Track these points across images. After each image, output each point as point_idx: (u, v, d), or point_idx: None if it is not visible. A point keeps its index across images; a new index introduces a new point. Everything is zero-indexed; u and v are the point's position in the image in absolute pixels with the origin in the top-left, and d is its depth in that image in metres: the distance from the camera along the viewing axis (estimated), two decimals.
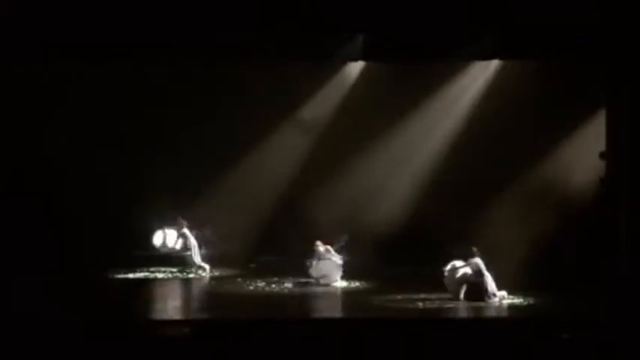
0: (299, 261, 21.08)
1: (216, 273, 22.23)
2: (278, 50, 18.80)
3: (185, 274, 22.15)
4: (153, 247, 22.43)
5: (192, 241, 22.16)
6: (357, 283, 20.85)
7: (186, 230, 22.14)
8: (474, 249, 18.77)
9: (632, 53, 18.24)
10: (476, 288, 18.58)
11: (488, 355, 14.65)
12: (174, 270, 22.31)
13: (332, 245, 20.94)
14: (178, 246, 22.27)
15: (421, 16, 18.19)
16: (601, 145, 19.85)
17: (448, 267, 18.94)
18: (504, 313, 18.09)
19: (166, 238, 22.39)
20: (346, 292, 20.30)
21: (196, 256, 22.18)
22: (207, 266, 22.17)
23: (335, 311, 19.21)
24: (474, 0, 18.12)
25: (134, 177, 22.41)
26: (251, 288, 20.53)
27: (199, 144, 22.76)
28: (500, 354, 14.67)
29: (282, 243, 22.41)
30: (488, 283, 18.54)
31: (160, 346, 14.80)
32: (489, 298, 18.48)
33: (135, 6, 17.43)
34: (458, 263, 18.88)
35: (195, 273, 22.11)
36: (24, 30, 17.83)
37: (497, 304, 18.43)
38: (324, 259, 20.84)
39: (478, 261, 18.64)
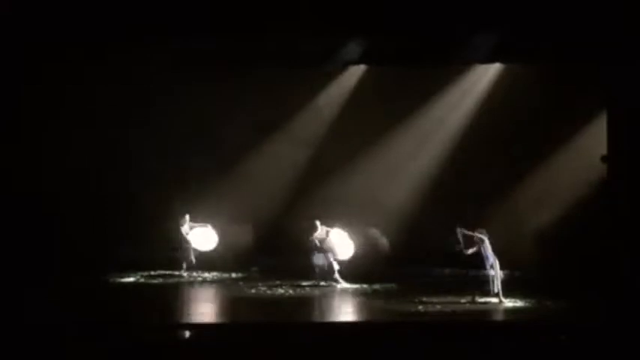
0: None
1: (223, 275, 22.38)
2: (278, 53, 18.86)
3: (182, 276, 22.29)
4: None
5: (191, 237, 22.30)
6: (358, 286, 20.91)
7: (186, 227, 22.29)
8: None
9: (632, 55, 18.24)
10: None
11: (489, 358, 14.65)
12: (175, 273, 22.40)
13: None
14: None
15: (421, 20, 18.23)
16: (602, 148, 19.82)
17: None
18: (505, 316, 18.10)
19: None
20: (347, 296, 20.32)
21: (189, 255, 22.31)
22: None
23: (336, 315, 19.21)
24: (474, 3, 18.13)
25: (133, 178, 22.55)
26: (253, 291, 20.60)
27: (198, 146, 22.88)
28: (500, 357, 14.66)
29: (282, 248, 22.43)
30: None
31: (161, 349, 14.77)
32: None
33: (134, 7, 17.50)
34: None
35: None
36: (24, 30, 17.93)
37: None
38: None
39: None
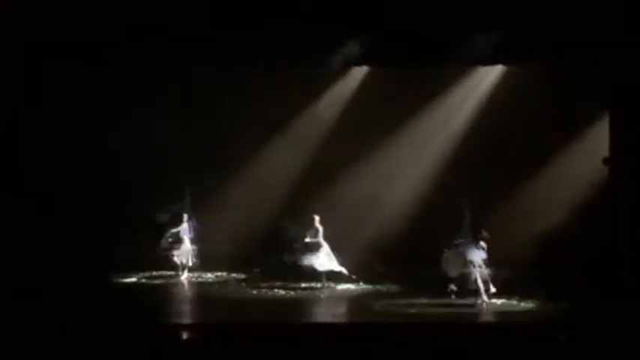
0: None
1: (225, 276, 22.46)
2: (278, 53, 18.85)
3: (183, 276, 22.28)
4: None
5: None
6: (358, 287, 20.90)
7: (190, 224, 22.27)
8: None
9: (632, 55, 18.21)
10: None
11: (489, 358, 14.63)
12: (175, 273, 22.40)
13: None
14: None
15: (423, 20, 18.24)
16: (604, 150, 19.79)
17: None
18: (505, 317, 18.09)
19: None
20: (346, 296, 20.31)
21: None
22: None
23: (335, 316, 19.19)
24: (474, 3, 18.13)
25: (133, 178, 22.57)
26: (254, 292, 20.58)
27: (198, 147, 22.89)
28: (500, 357, 14.64)
29: (283, 249, 22.42)
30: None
31: (162, 349, 14.78)
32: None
33: (134, 7, 17.54)
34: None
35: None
36: (24, 30, 17.97)
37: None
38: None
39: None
